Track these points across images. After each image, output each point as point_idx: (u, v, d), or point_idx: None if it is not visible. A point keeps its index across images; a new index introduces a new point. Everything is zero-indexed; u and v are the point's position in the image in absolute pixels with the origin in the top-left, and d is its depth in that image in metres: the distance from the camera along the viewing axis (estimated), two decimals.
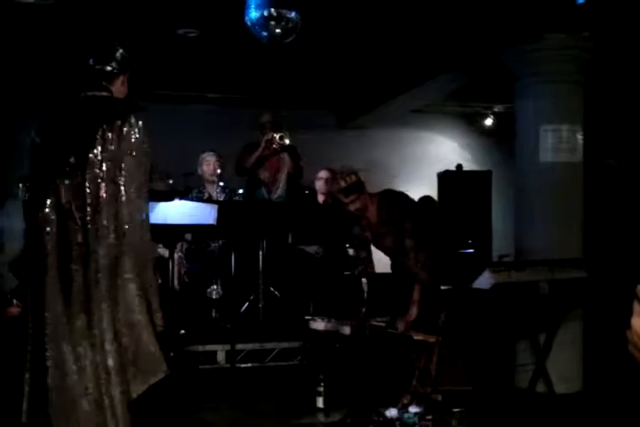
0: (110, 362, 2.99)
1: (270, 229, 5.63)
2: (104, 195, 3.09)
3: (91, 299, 3.03)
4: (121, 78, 3.38)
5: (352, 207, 4.50)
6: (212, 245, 5.82)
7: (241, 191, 6.15)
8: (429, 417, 3.97)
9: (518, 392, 4.85)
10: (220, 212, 5.02)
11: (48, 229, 3.12)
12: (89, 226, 3.07)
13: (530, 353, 4.82)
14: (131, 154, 3.13)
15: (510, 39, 5.24)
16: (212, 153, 6.16)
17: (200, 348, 5.13)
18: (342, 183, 4.41)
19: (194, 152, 6.35)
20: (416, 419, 3.94)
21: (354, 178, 4.43)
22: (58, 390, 3.01)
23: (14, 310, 5.79)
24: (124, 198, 3.09)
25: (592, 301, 4.97)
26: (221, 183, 5.97)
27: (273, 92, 7.75)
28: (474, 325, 4.77)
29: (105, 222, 3.07)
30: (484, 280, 4.45)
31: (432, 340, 4.25)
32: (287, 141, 6.21)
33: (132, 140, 3.12)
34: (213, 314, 5.62)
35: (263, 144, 6.25)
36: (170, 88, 7.60)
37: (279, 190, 6.31)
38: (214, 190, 5.99)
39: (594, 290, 4.79)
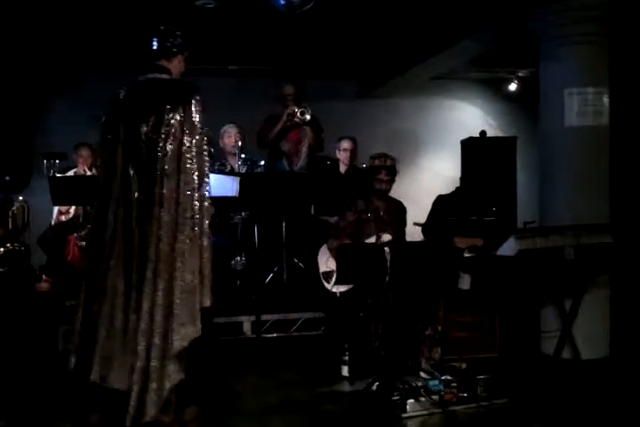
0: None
1: (293, 200, 5.63)
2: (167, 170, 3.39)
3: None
4: (179, 57, 3.68)
5: (383, 186, 4.93)
6: (236, 217, 5.83)
7: (262, 163, 6.13)
8: (454, 384, 3.97)
9: (544, 359, 4.83)
10: (241, 184, 5.03)
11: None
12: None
13: (556, 319, 4.79)
14: (191, 133, 3.40)
15: (535, 0, 5.11)
16: (232, 125, 6.16)
17: (226, 319, 5.18)
18: (389, 162, 4.92)
19: (215, 125, 6.33)
20: (441, 386, 3.95)
21: (395, 163, 5.00)
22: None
23: (44, 286, 5.91)
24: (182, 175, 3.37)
25: (619, 266, 4.91)
26: (243, 155, 5.95)
27: (293, 62, 7.68)
28: (499, 292, 4.76)
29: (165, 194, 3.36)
30: (509, 247, 4.44)
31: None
32: (308, 117, 6.16)
33: (193, 120, 3.40)
34: (238, 286, 5.66)
35: (285, 118, 6.21)
36: (189, 61, 7.54)
37: (301, 162, 6.29)
38: (236, 163, 5.99)
39: (621, 255, 4.73)
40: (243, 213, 5.79)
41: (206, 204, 3.43)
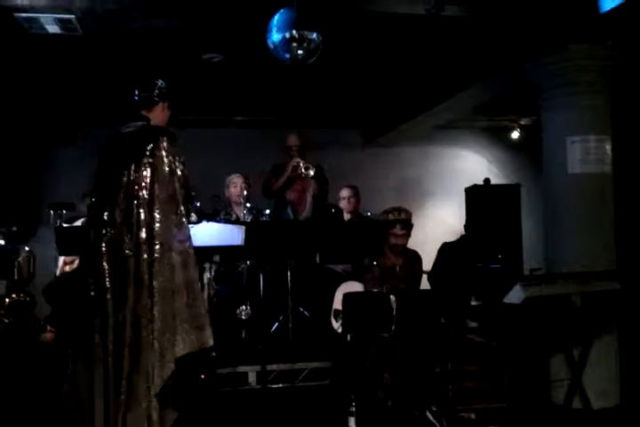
0: None
1: (297, 248, 5.61)
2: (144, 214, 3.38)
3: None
4: (160, 106, 3.67)
5: (398, 241, 4.98)
6: (241, 266, 5.82)
7: (268, 212, 6.16)
8: None
9: (554, 408, 4.74)
10: (247, 233, 5.03)
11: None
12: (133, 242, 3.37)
13: (565, 368, 4.72)
14: (163, 175, 3.40)
15: (534, 51, 5.21)
16: (238, 175, 6.21)
17: (230, 369, 5.12)
18: (403, 215, 4.97)
19: (220, 175, 6.40)
20: None
21: (410, 216, 5.04)
22: None
23: (48, 336, 5.86)
24: (160, 216, 3.37)
25: (627, 313, 4.86)
26: (248, 204, 5.97)
27: (298, 112, 7.80)
28: (507, 340, 4.70)
29: (144, 238, 3.35)
30: (516, 295, 4.40)
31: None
32: (312, 173, 6.19)
33: (165, 161, 3.40)
34: (243, 335, 5.60)
35: (289, 170, 6.24)
36: (196, 113, 7.68)
37: (306, 211, 6.29)
38: (241, 212, 6.00)
39: (628, 302, 4.69)
40: (247, 262, 5.78)
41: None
